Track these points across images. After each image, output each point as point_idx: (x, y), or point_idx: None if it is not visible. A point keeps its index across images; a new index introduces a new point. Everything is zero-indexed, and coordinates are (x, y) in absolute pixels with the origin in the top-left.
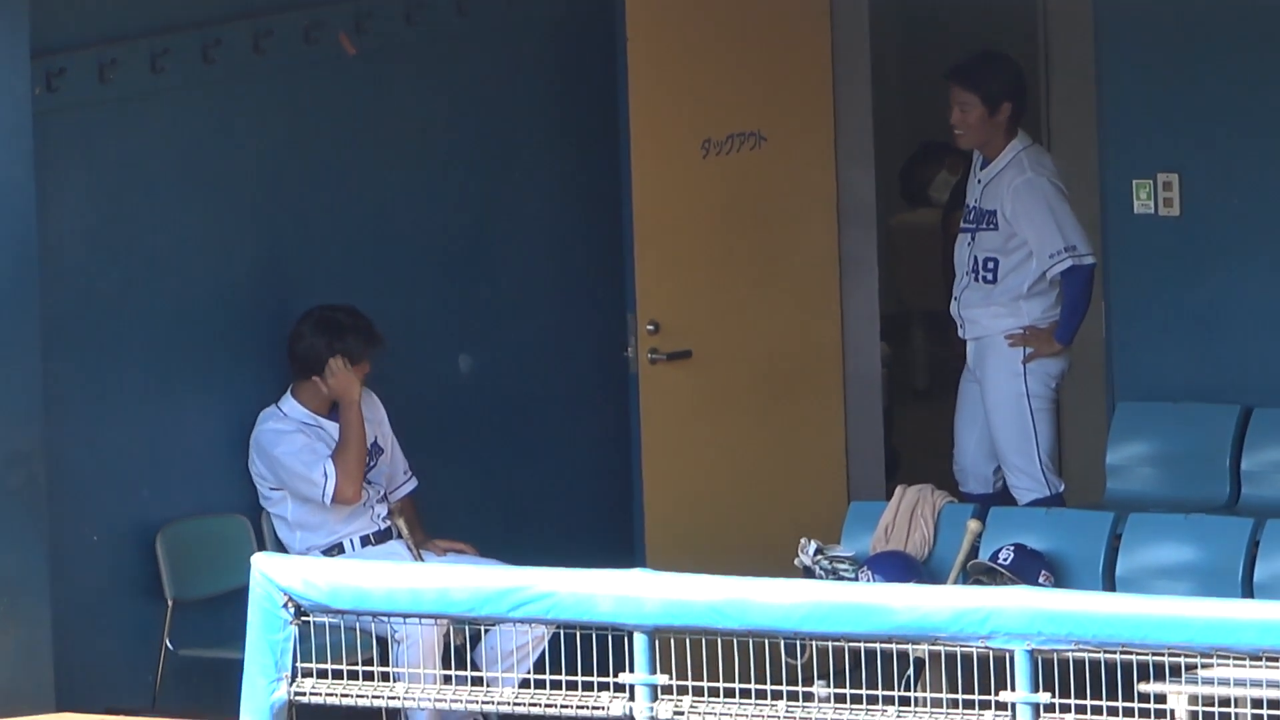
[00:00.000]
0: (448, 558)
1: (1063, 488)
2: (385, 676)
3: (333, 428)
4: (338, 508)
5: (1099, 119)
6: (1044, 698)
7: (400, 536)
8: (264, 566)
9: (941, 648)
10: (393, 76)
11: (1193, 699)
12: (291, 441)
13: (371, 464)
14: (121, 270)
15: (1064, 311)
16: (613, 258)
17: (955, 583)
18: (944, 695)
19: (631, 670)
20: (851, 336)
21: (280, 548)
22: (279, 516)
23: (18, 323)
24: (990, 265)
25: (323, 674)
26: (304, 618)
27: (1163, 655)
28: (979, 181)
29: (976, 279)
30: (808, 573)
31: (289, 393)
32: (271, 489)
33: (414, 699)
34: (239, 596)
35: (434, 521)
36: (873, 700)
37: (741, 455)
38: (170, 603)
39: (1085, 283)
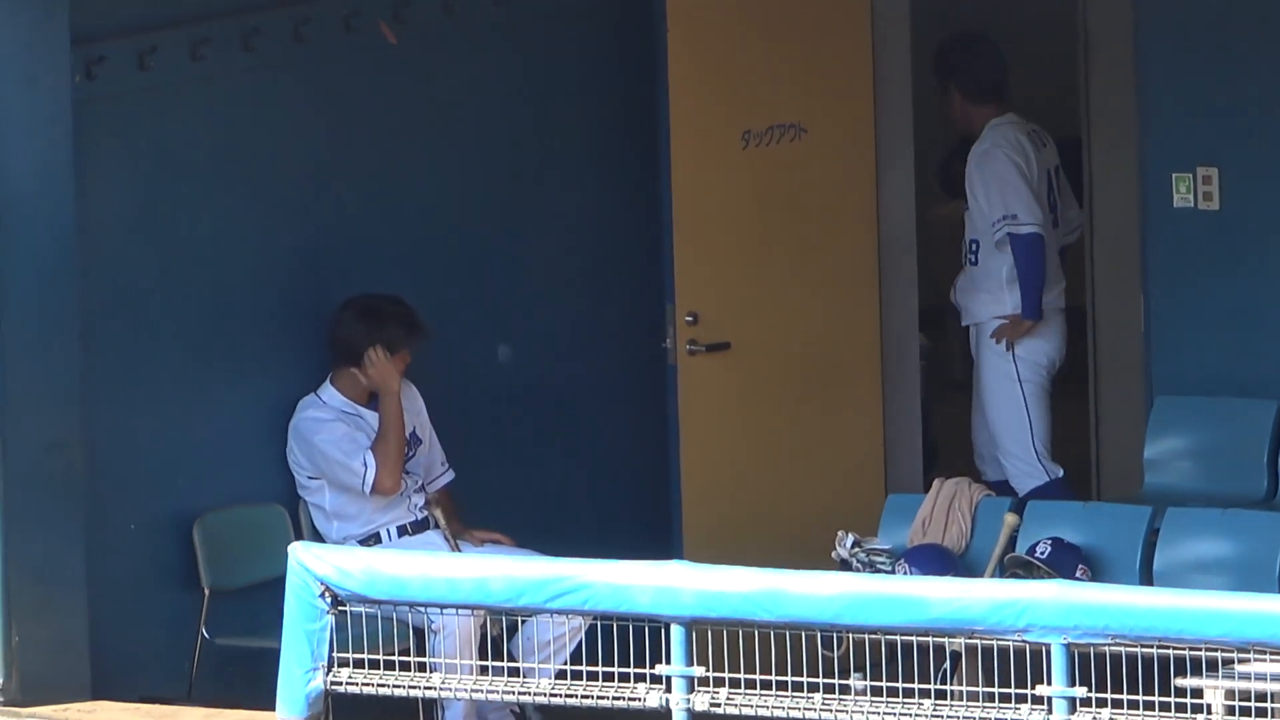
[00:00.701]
0: (485, 548)
1: (1061, 473)
2: (422, 667)
3: (372, 417)
4: (375, 497)
5: (1139, 112)
6: (1080, 692)
7: (437, 527)
8: (301, 556)
9: (978, 641)
10: (431, 65)
11: (1229, 694)
12: (332, 430)
13: (410, 454)
14: (160, 259)
15: (1019, 284)
16: (652, 248)
17: (992, 576)
18: (980, 688)
19: (668, 662)
20: (890, 328)
21: (317, 537)
22: (316, 505)
23: (56, 311)
24: (974, 248)
25: (359, 664)
26: (340, 607)
27: (1199, 650)
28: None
29: (965, 263)
30: (845, 565)
31: (328, 381)
32: (310, 478)
33: (450, 689)
34: (276, 586)
35: (472, 512)
36: (909, 693)
37: (779, 447)
38: (207, 592)
39: (1027, 252)
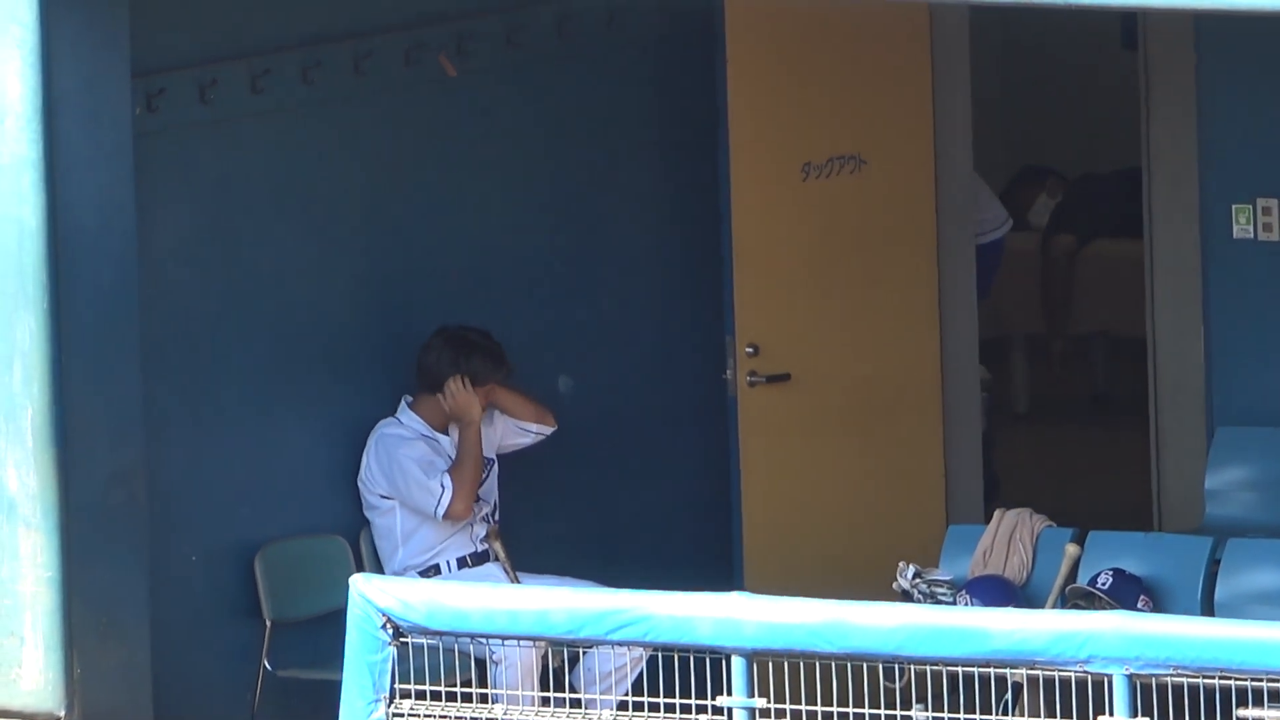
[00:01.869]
0: (546, 579)
1: None
2: (484, 698)
3: (447, 443)
4: (443, 525)
5: (1199, 143)
6: None
7: (497, 559)
8: (363, 588)
9: (1040, 672)
10: (493, 97)
11: None
12: (414, 448)
13: (485, 477)
14: (222, 290)
15: None
16: (712, 279)
17: (1053, 607)
18: (1042, 719)
19: (729, 693)
20: (950, 359)
21: (378, 568)
22: (383, 529)
23: (118, 342)
24: None
25: (421, 695)
26: (402, 639)
27: (1262, 681)
28: None
29: None
30: (906, 596)
31: (406, 405)
32: (382, 497)
33: None
34: (337, 617)
35: (533, 543)
36: None
37: (840, 478)
38: (269, 623)
39: None
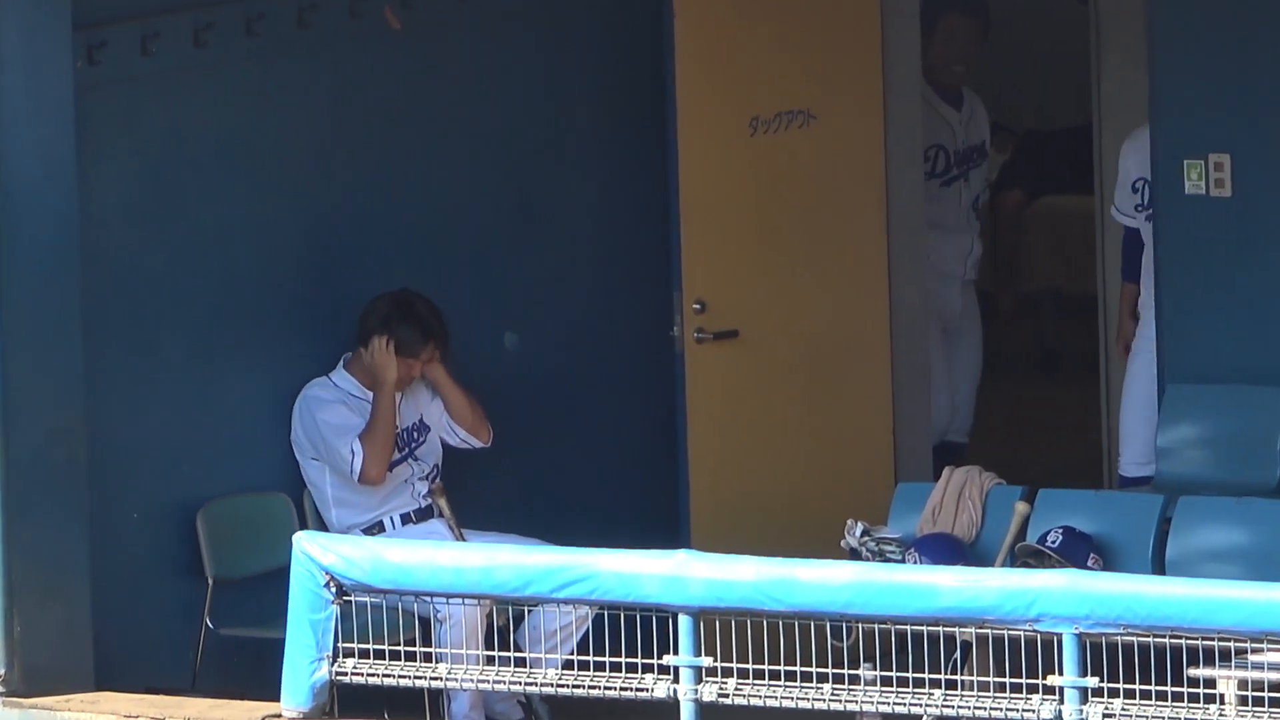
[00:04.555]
0: (491, 536)
1: None
2: (427, 657)
3: None
4: (367, 488)
5: (1151, 98)
6: (1092, 682)
7: (441, 515)
8: (306, 545)
9: (989, 630)
10: (438, 52)
11: (1243, 684)
12: (332, 411)
13: (419, 441)
14: (164, 246)
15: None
16: (659, 235)
17: (1003, 565)
18: (991, 679)
19: (676, 652)
20: (899, 317)
21: (322, 526)
22: (319, 491)
23: (59, 298)
24: (977, 204)
25: (364, 654)
26: (345, 597)
27: (1213, 640)
28: (961, 121)
29: (971, 220)
30: (854, 554)
31: (342, 363)
32: (311, 459)
33: (456, 679)
34: (281, 575)
35: (478, 501)
36: (919, 684)
37: (788, 436)
38: (211, 581)
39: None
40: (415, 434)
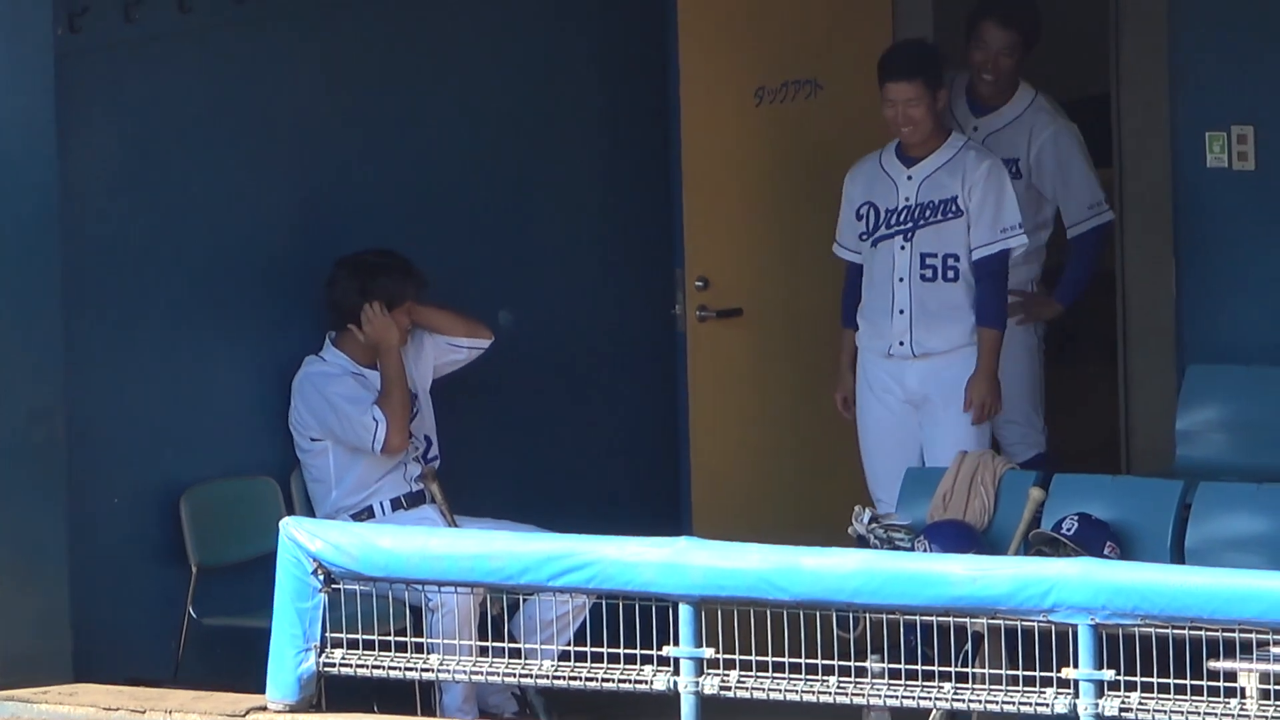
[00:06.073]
0: (484, 522)
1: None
2: (419, 647)
3: (375, 378)
4: (378, 462)
5: (1171, 69)
6: (1108, 675)
7: (433, 501)
8: (293, 531)
9: (1001, 621)
10: (433, 18)
11: (1264, 677)
12: (343, 384)
13: (414, 413)
14: (148, 219)
15: (1077, 270)
16: (661, 210)
17: (1016, 553)
18: (1003, 671)
19: (676, 643)
20: None
21: (309, 511)
22: (315, 471)
23: (38, 274)
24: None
25: (353, 644)
26: (334, 585)
27: (1233, 631)
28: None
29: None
30: (862, 542)
31: (329, 343)
32: (313, 439)
33: (448, 671)
34: (266, 562)
35: (473, 486)
36: (929, 676)
37: (794, 418)
38: (194, 568)
39: (1108, 239)
40: (413, 404)
